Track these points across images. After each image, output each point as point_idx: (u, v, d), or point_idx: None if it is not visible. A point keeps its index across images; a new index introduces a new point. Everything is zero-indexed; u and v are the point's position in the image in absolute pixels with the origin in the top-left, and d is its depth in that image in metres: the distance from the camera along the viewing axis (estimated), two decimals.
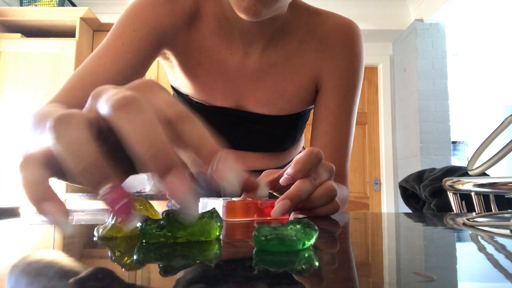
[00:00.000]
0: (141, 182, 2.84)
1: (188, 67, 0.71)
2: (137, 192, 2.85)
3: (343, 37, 0.73)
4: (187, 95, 0.75)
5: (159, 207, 2.67)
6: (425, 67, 3.28)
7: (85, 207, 2.58)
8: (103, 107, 0.23)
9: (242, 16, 0.58)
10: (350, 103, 0.74)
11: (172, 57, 0.71)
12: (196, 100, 0.74)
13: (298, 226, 0.26)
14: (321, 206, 0.50)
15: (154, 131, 0.22)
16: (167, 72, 0.77)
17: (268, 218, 0.47)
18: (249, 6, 0.56)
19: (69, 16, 2.86)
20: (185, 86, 0.73)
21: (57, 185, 2.65)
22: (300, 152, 0.90)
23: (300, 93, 0.74)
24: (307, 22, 0.73)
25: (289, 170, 0.48)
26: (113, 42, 0.62)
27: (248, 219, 0.46)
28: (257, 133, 0.77)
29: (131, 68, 0.62)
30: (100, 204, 2.66)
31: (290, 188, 0.47)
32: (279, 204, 0.45)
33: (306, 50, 0.73)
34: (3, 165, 2.69)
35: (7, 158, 2.70)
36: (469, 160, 0.57)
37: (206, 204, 0.51)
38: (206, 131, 0.26)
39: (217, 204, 0.48)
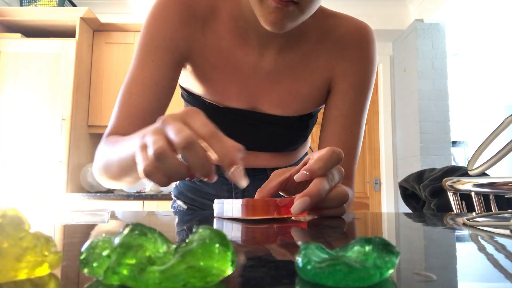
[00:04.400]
0: (141, 182, 2.83)
1: (203, 71, 0.71)
2: (137, 192, 2.85)
3: (357, 40, 0.73)
4: (199, 96, 0.75)
5: (160, 207, 2.67)
6: (425, 67, 3.28)
7: (85, 207, 2.58)
8: (174, 143, 0.38)
9: (267, 28, 0.59)
10: (362, 105, 0.74)
11: (187, 64, 0.72)
12: (209, 101, 0.74)
13: (368, 247, 0.18)
14: (330, 208, 0.51)
15: (202, 158, 0.39)
16: None
17: (286, 216, 0.47)
18: (276, 21, 0.57)
19: (69, 16, 2.85)
20: (198, 88, 0.74)
21: (58, 186, 2.63)
22: (306, 151, 0.91)
23: (314, 94, 0.74)
24: (322, 24, 0.73)
25: (308, 167, 0.48)
26: (138, 76, 0.67)
27: (267, 217, 0.46)
28: (269, 134, 0.77)
29: (158, 98, 0.68)
30: (100, 205, 2.66)
31: (310, 186, 0.48)
32: (299, 201, 0.46)
33: (321, 52, 0.73)
34: (3, 165, 2.69)
35: (7, 157, 2.70)
36: (469, 160, 0.57)
37: (222, 204, 0.50)
38: (228, 145, 0.40)
39: (235, 203, 0.47)
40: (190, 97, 0.76)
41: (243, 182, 0.40)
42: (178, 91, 0.80)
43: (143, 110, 0.67)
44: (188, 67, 0.72)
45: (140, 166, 0.40)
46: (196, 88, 0.74)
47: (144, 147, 0.41)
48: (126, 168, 0.54)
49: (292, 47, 0.72)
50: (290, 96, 0.73)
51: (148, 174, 0.39)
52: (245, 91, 0.73)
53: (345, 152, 0.72)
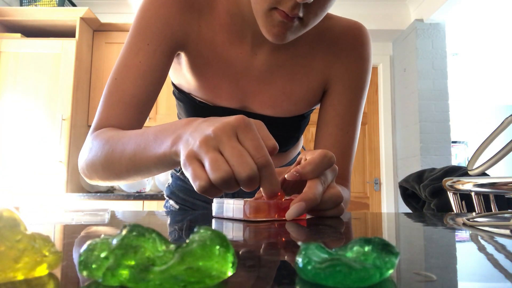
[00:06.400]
0: (141, 182, 2.84)
1: (196, 66, 0.70)
2: (137, 192, 2.85)
3: (352, 40, 0.74)
4: (190, 94, 0.74)
5: (160, 207, 2.67)
6: (425, 67, 3.28)
7: (85, 207, 2.57)
8: (236, 175, 0.40)
9: (269, 39, 0.60)
10: (357, 105, 0.74)
11: (182, 56, 0.71)
12: (200, 100, 0.74)
13: (367, 248, 0.18)
14: (326, 210, 0.51)
15: (254, 187, 0.42)
16: (170, 69, 0.77)
17: (286, 218, 0.47)
18: (279, 34, 0.58)
19: (69, 16, 2.86)
20: (190, 84, 0.73)
21: (58, 186, 2.63)
22: (299, 152, 0.90)
23: (308, 95, 0.74)
24: (317, 26, 0.72)
25: (299, 169, 0.48)
26: (132, 60, 0.65)
27: (268, 219, 0.46)
28: None
29: (152, 84, 0.66)
30: (100, 205, 2.66)
31: (305, 190, 0.48)
32: (294, 206, 0.46)
33: (316, 53, 0.73)
34: (3, 165, 2.69)
35: (7, 157, 2.70)
36: (469, 160, 0.57)
37: (222, 204, 0.50)
38: (276, 181, 0.43)
39: (236, 203, 0.47)
40: (181, 95, 0.76)
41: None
42: (171, 88, 0.80)
43: (137, 97, 0.64)
44: (182, 59, 0.71)
45: (196, 182, 0.40)
46: (188, 84, 0.73)
47: (193, 158, 0.41)
48: (143, 168, 0.53)
49: (286, 48, 0.71)
50: (283, 97, 0.73)
51: (204, 192, 0.41)
52: (236, 89, 0.72)
53: (341, 152, 0.72)
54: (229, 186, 0.40)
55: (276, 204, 0.47)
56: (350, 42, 0.74)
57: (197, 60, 0.70)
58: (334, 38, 0.74)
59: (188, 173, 0.41)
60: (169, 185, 0.94)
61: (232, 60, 0.70)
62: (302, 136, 0.89)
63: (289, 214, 0.45)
